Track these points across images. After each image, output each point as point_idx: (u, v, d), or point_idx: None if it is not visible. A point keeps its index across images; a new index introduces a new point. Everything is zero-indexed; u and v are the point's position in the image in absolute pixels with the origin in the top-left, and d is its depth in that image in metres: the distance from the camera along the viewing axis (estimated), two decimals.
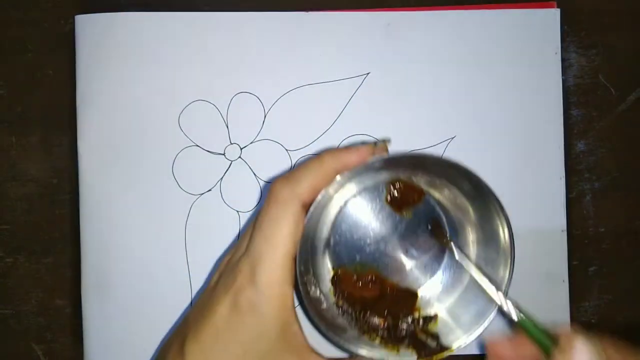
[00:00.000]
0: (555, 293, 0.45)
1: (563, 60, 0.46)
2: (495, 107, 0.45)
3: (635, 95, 0.47)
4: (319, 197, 0.35)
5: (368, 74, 0.45)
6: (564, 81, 0.46)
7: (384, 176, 0.40)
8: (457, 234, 0.40)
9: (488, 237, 0.38)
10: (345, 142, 0.45)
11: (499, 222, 0.36)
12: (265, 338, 0.34)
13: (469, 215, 0.39)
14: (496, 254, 0.37)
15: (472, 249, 0.40)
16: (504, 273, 0.37)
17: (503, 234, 0.37)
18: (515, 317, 0.35)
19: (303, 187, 0.34)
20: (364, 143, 0.36)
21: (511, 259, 0.36)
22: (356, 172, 0.36)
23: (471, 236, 0.40)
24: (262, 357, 0.34)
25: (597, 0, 0.47)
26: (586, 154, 0.47)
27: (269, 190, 0.35)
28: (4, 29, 0.46)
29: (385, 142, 0.38)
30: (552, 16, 0.45)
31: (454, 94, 0.45)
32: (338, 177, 0.35)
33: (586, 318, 0.46)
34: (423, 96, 0.45)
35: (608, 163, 0.46)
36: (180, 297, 0.44)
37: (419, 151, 0.36)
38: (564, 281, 0.45)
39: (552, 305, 0.45)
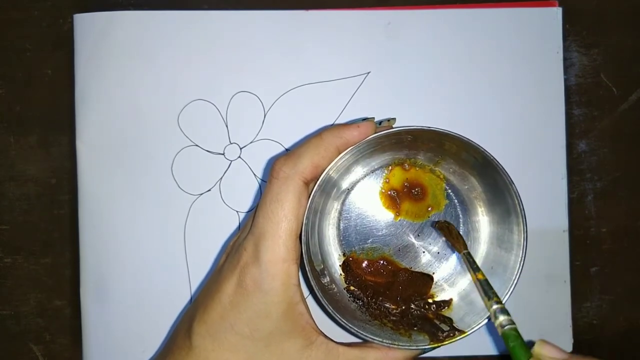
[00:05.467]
0: (556, 294, 0.44)
1: (564, 59, 0.45)
2: (497, 106, 0.45)
3: (637, 95, 0.47)
4: (323, 174, 0.35)
5: (368, 73, 0.45)
6: (565, 80, 0.45)
7: (389, 157, 0.39)
8: (467, 211, 0.40)
9: (497, 209, 0.38)
10: None
11: (507, 193, 0.36)
12: (270, 317, 0.34)
13: (477, 189, 0.39)
14: (509, 230, 0.37)
15: (483, 222, 0.40)
16: (518, 238, 0.37)
17: (513, 204, 0.36)
18: (499, 331, 0.33)
19: (304, 164, 0.34)
20: (365, 119, 0.36)
21: (523, 224, 0.36)
22: (359, 148, 0.35)
23: (480, 209, 0.40)
24: (268, 337, 0.34)
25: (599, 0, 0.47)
26: (588, 153, 0.46)
27: (270, 168, 0.35)
28: (3, 28, 0.46)
29: (390, 120, 0.37)
30: (553, 15, 0.45)
31: (455, 93, 0.45)
32: (341, 154, 0.35)
33: (587, 319, 0.46)
34: (424, 95, 0.45)
35: (610, 163, 0.46)
36: (180, 298, 0.44)
37: (423, 126, 0.35)
38: (565, 282, 0.44)
39: (554, 305, 0.44)
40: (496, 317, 0.33)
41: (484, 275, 0.35)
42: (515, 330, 0.32)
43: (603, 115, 0.46)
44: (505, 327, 0.33)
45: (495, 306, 0.34)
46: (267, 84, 0.45)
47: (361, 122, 0.35)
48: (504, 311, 0.33)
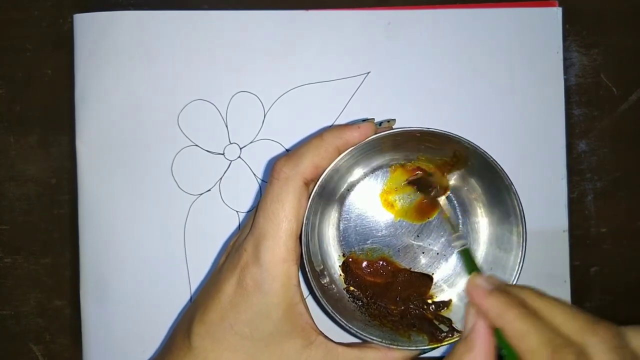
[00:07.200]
0: (556, 294, 0.43)
1: (564, 59, 0.45)
2: (496, 106, 0.45)
3: (637, 95, 0.47)
4: (323, 175, 0.35)
5: (368, 73, 0.45)
6: (565, 80, 0.45)
7: (389, 158, 0.40)
8: (467, 212, 0.40)
9: (496, 210, 0.38)
10: None
11: (506, 195, 0.36)
12: (270, 317, 0.34)
13: (476, 191, 0.39)
14: (509, 231, 0.37)
15: (483, 223, 0.40)
16: (518, 240, 0.37)
17: (512, 205, 0.36)
18: (458, 247, 0.38)
19: (304, 164, 0.34)
20: (365, 120, 0.36)
21: (523, 226, 0.36)
22: (359, 149, 0.36)
23: (480, 210, 0.40)
24: (268, 337, 0.34)
25: None
26: (588, 153, 0.46)
27: (270, 169, 0.35)
28: (3, 28, 0.46)
29: (390, 121, 0.38)
30: (553, 15, 0.45)
31: (455, 94, 0.45)
32: (341, 155, 0.35)
33: None
34: (424, 95, 0.45)
35: (610, 163, 0.46)
36: (180, 298, 0.44)
37: (423, 127, 0.35)
38: (565, 282, 0.44)
39: None
40: (455, 242, 0.39)
41: (447, 215, 0.40)
42: (467, 249, 0.37)
43: (603, 115, 0.46)
44: (460, 247, 0.38)
45: (454, 235, 0.39)
46: (267, 84, 0.45)
47: (361, 123, 0.35)
48: (461, 237, 0.39)
